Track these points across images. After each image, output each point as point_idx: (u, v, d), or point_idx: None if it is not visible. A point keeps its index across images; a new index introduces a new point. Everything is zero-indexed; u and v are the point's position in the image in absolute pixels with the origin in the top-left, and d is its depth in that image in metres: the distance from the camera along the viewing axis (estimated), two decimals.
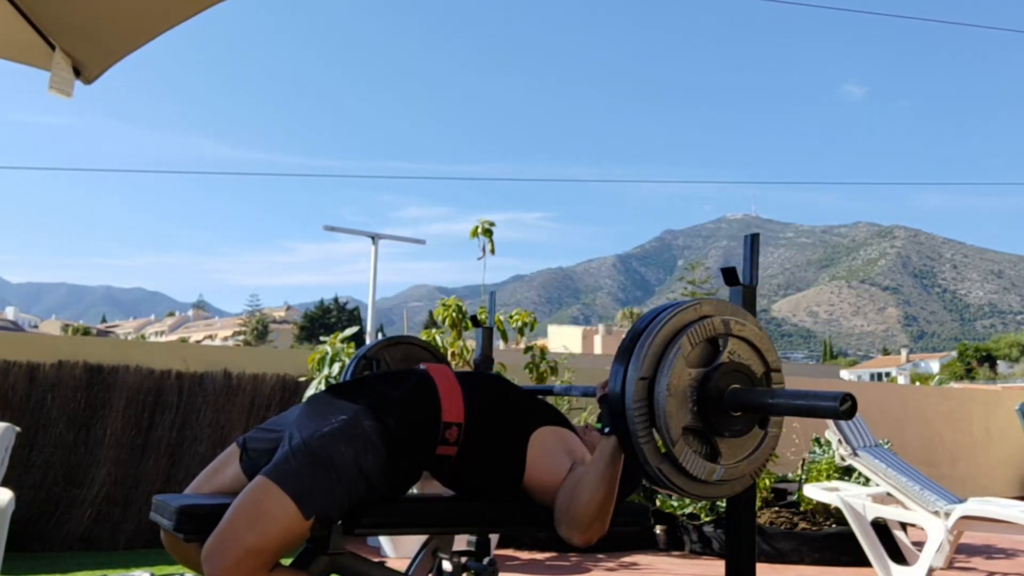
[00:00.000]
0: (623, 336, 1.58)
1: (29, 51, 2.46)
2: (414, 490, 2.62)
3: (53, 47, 2.43)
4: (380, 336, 5.04)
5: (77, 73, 2.52)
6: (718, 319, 1.56)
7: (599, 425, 1.93)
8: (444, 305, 4.78)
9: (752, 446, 1.58)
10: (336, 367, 4.62)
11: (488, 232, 4.85)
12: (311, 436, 1.67)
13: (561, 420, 1.94)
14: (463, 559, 1.97)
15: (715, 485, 1.54)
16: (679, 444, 1.47)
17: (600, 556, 4.91)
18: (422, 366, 1.92)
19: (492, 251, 4.83)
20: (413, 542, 4.17)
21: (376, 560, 1.84)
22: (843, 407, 1.36)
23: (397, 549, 4.54)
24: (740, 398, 1.52)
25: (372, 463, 1.66)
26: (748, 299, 1.84)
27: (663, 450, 1.49)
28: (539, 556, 4.87)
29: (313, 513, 1.59)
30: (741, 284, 1.86)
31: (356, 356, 2.61)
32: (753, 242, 1.92)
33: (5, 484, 3.08)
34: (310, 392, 4.48)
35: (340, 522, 1.68)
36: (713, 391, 1.51)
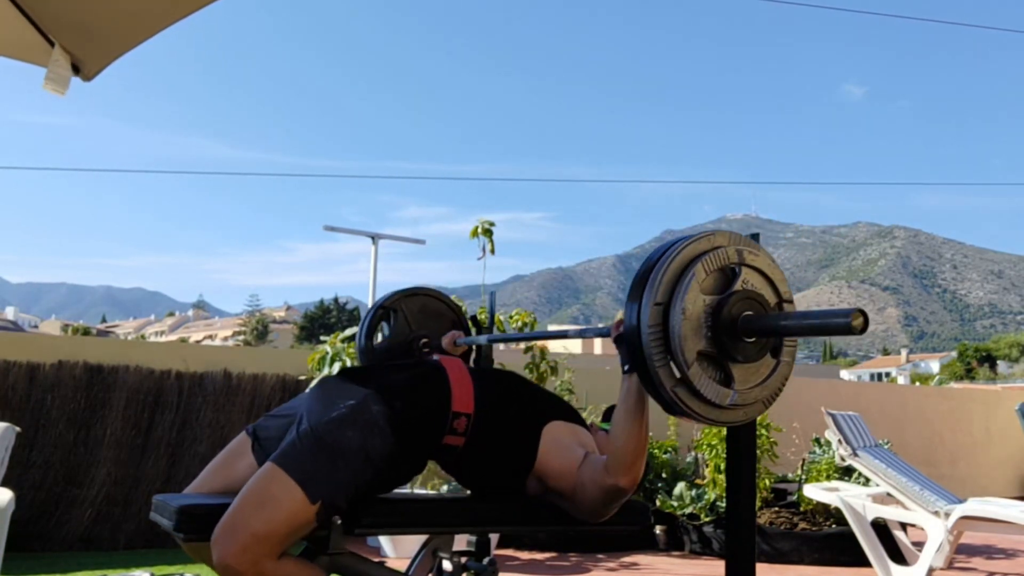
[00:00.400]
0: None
1: (28, 48, 2.45)
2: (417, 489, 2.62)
3: (52, 44, 2.42)
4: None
5: (76, 70, 2.52)
6: (732, 249, 1.58)
7: (605, 426, 1.92)
8: None
9: (764, 373, 1.61)
10: (336, 367, 4.61)
11: (488, 232, 4.84)
12: (318, 421, 1.67)
13: (574, 416, 1.95)
14: (463, 559, 1.97)
15: (728, 410, 1.56)
16: (694, 368, 1.50)
17: (600, 556, 4.91)
18: (435, 357, 1.92)
19: (492, 251, 4.83)
20: (413, 542, 4.16)
21: (376, 560, 1.83)
22: (855, 322, 1.38)
23: (397, 549, 4.54)
24: (753, 323, 1.55)
25: (379, 448, 1.66)
26: None
27: (678, 375, 1.51)
28: (539, 556, 4.87)
29: (319, 498, 1.59)
30: None
31: (374, 306, 2.62)
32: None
33: (5, 484, 3.08)
34: None
35: (340, 522, 1.68)
36: (727, 317, 1.54)
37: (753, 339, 1.56)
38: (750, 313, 1.56)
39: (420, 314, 2.64)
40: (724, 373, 1.55)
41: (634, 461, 1.66)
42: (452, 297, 4.84)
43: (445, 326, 2.66)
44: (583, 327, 2.09)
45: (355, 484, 1.64)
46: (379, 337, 2.62)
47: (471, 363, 2.77)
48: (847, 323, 1.38)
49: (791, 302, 1.65)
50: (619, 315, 1.70)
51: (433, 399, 1.78)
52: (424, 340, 2.64)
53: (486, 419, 1.81)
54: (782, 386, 1.63)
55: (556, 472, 1.79)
